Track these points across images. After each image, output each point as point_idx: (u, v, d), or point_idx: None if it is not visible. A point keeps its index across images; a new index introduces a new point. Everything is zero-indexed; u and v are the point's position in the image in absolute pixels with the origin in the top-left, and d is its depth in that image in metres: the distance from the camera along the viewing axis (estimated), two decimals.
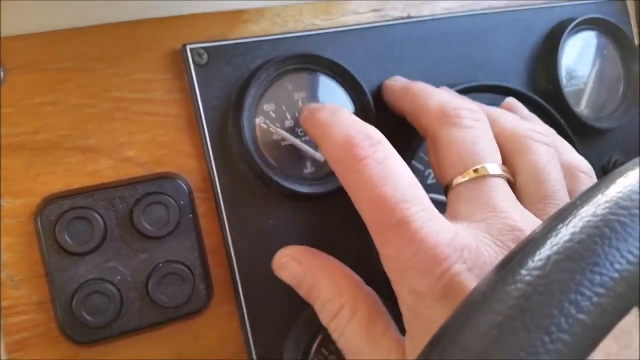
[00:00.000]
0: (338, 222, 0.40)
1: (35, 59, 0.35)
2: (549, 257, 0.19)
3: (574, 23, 0.46)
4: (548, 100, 0.45)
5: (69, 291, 0.33)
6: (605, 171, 0.48)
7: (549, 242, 0.19)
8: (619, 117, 0.49)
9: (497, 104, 0.44)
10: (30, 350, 0.34)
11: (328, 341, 0.38)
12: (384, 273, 0.40)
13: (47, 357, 0.35)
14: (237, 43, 0.38)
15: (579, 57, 0.48)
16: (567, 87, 0.47)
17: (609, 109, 0.49)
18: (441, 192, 0.41)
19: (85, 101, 0.36)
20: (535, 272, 0.19)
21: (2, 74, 0.34)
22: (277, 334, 0.38)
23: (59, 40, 0.35)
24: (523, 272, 0.19)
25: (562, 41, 0.45)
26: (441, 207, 0.41)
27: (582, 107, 0.48)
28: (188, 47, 0.36)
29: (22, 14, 0.34)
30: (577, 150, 0.44)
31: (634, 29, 0.51)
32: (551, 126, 0.44)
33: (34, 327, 0.35)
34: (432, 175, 0.42)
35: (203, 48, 0.37)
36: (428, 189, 0.41)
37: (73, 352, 0.35)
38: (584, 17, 0.47)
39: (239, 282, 0.37)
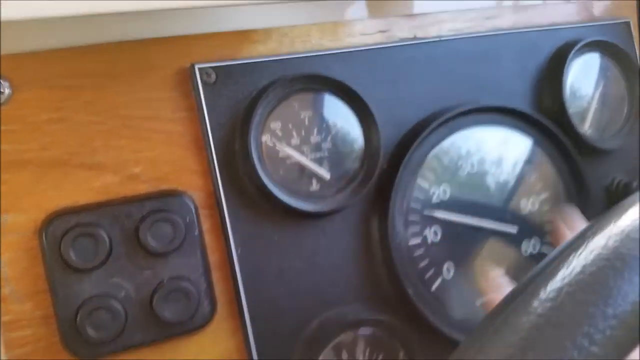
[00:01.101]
0: (344, 240, 0.40)
1: (43, 76, 0.35)
2: (561, 289, 0.19)
3: (579, 45, 0.46)
4: (553, 120, 0.45)
5: (73, 306, 0.34)
6: (609, 192, 0.48)
7: (560, 273, 0.19)
8: (622, 138, 0.49)
9: (502, 123, 0.44)
10: None
11: (332, 357, 0.38)
12: (388, 291, 0.40)
13: None
14: (245, 63, 0.38)
15: (584, 79, 0.49)
16: (572, 107, 0.47)
17: (612, 129, 0.49)
18: (448, 209, 0.41)
19: (92, 118, 0.36)
20: (548, 304, 0.19)
21: (10, 90, 0.35)
22: (281, 350, 0.38)
23: (67, 57, 0.36)
24: (535, 303, 0.19)
25: (567, 62, 0.45)
26: (447, 225, 0.41)
27: (586, 128, 0.48)
28: (197, 66, 0.37)
29: (29, 31, 0.34)
30: (581, 170, 0.44)
31: (638, 52, 0.52)
32: (555, 147, 0.45)
33: (36, 341, 0.35)
34: (436, 194, 0.42)
35: (211, 67, 0.37)
36: (433, 206, 0.41)
37: None
38: (588, 40, 0.47)
39: (243, 298, 0.37)
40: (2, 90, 0.35)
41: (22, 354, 0.34)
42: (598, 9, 0.52)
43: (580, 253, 0.19)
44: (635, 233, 0.19)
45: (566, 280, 0.19)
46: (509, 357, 0.18)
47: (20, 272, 0.34)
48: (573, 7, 0.51)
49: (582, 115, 0.48)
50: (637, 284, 0.18)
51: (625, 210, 0.20)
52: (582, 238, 0.20)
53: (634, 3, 0.52)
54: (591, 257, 0.19)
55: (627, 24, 0.52)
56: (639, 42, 0.52)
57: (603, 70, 0.50)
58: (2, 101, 0.35)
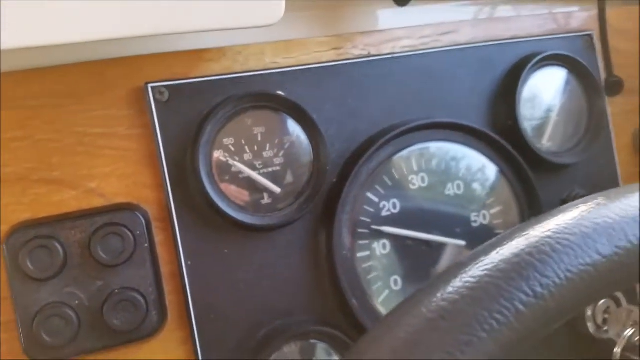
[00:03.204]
0: (292, 253, 0.42)
1: (6, 96, 0.37)
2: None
3: (536, 59, 0.47)
4: (508, 136, 0.46)
5: (31, 313, 0.36)
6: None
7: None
8: (581, 152, 0.50)
9: (453, 138, 0.45)
10: None
11: None
12: (331, 302, 0.42)
13: None
14: (198, 81, 0.40)
15: (543, 92, 0.50)
16: (530, 122, 0.48)
17: (571, 143, 0.50)
18: (398, 223, 0.43)
19: (50, 136, 0.38)
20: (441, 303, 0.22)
21: None
22: (229, 359, 0.40)
23: (29, 78, 0.38)
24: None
25: (522, 77, 0.46)
26: (396, 238, 0.43)
27: (545, 142, 0.49)
28: (150, 85, 0.39)
29: None
30: (533, 185, 0.45)
31: (600, 65, 0.52)
32: (507, 163, 0.46)
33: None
34: (387, 208, 0.43)
35: (164, 86, 0.39)
36: (381, 220, 0.43)
37: None
38: (547, 54, 0.48)
39: (192, 309, 0.39)
40: None
41: None
42: (561, 21, 0.52)
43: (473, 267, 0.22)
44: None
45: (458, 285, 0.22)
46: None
47: None
48: (536, 20, 0.51)
49: (541, 129, 0.49)
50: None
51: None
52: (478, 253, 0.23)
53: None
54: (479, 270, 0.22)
55: (590, 36, 0.52)
56: (602, 55, 0.52)
57: (563, 84, 0.50)
58: None
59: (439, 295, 0.23)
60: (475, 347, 0.21)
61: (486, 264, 0.23)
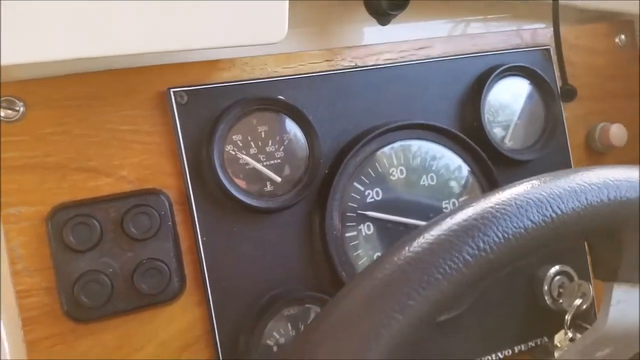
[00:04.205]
0: (291, 232, 0.49)
1: (49, 97, 0.45)
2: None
3: (499, 70, 0.55)
4: (474, 135, 0.54)
5: (71, 280, 0.43)
6: None
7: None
8: (539, 150, 0.58)
9: (427, 137, 0.53)
10: (39, 324, 0.44)
11: (278, 330, 0.48)
12: (323, 274, 0.49)
13: (51, 331, 0.44)
14: (212, 87, 0.47)
15: (506, 98, 0.57)
16: (494, 123, 0.56)
17: (531, 142, 0.58)
18: (380, 208, 0.50)
19: (86, 132, 0.45)
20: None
21: (24, 109, 0.44)
22: (237, 319, 0.47)
23: (67, 83, 0.45)
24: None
25: (487, 85, 0.54)
26: (378, 221, 0.50)
27: (507, 141, 0.57)
28: (172, 90, 0.46)
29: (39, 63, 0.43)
30: (494, 177, 0.53)
31: (557, 75, 0.60)
32: (472, 158, 0.54)
33: (42, 307, 0.44)
34: (370, 195, 0.51)
35: (184, 91, 0.46)
36: (367, 206, 0.51)
37: (71, 328, 0.44)
38: (508, 65, 0.56)
39: (206, 277, 0.46)
40: (17, 109, 0.44)
41: (31, 316, 0.44)
42: (523, 37, 0.60)
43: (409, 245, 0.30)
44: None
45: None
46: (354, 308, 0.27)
47: (30, 252, 0.44)
48: (501, 36, 0.59)
49: (504, 129, 0.57)
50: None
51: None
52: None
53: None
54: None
55: (548, 50, 0.60)
56: (558, 65, 0.60)
57: (523, 91, 0.58)
58: (17, 117, 0.44)
59: (406, 248, 0.30)
60: (432, 285, 0.29)
61: (442, 227, 0.31)
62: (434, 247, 0.30)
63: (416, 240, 0.31)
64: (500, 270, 0.31)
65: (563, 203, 0.33)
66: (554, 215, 0.32)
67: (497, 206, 0.32)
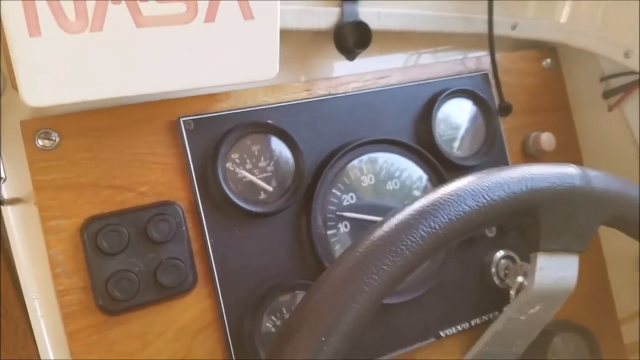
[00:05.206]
0: (283, 232, 0.59)
1: (79, 129, 0.54)
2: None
3: (445, 93, 0.67)
4: (428, 147, 0.65)
5: (105, 278, 0.52)
6: None
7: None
8: (482, 156, 0.69)
9: (390, 151, 0.64)
10: (77, 318, 0.53)
11: (275, 313, 0.57)
12: (311, 266, 0.59)
13: (87, 323, 0.53)
14: (214, 115, 0.57)
15: (454, 116, 0.69)
16: (444, 136, 0.68)
17: (474, 150, 0.70)
18: (354, 210, 0.61)
19: (112, 156, 0.55)
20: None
21: (59, 138, 0.53)
22: (241, 306, 0.57)
23: (94, 116, 0.54)
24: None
25: (436, 106, 0.66)
26: (354, 221, 0.60)
27: (456, 150, 0.69)
28: (181, 119, 0.56)
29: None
30: (445, 180, 0.64)
31: (495, 95, 0.73)
32: (428, 166, 0.65)
33: (79, 303, 0.53)
34: (346, 199, 0.62)
35: (191, 120, 0.56)
36: (344, 208, 0.61)
37: (103, 320, 0.53)
38: (453, 89, 0.68)
39: (215, 271, 0.56)
40: (53, 139, 0.53)
41: (70, 311, 0.52)
42: (466, 65, 0.73)
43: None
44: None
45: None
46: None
47: (67, 257, 0.53)
48: (446, 65, 0.71)
49: (452, 141, 0.69)
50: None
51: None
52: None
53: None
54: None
55: (486, 74, 0.72)
56: (495, 87, 0.72)
57: (467, 109, 0.70)
58: (54, 146, 0.53)
59: (378, 230, 0.41)
60: (399, 254, 0.39)
61: (403, 213, 0.41)
62: (399, 227, 0.41)
63: (385, 224, 0.41)
64: (448, 244, 0.42)
65: (492, 192, 0.43)
66: (485, 201, 0.43)
67: (443, 196, 0.43)
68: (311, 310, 0.37)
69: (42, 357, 0.53)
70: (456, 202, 0.42)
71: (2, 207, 0.53)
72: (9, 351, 0.61)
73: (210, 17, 0.48)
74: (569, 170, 0.45)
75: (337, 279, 0.39)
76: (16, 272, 0.55)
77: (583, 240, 0.46)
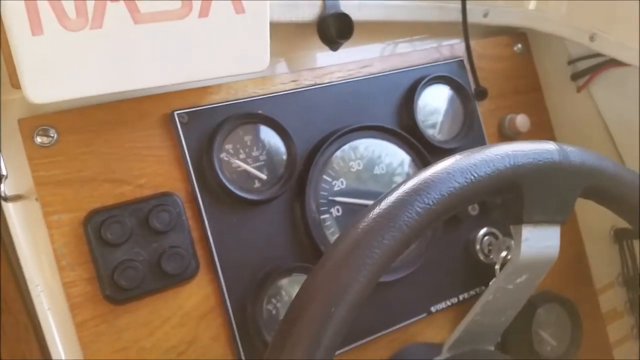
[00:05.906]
0: (278, 218, 0.62)
1: (76, 125, 0.55)
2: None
3: (424, 80, 0.70)
4: (410, 131, 0.69)
5: (111, 268, 0.54)
6: None
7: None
8: (461, 139, 0.73)
9: (376, 135, 0.67)
10: (84, 308, 0.54)
11: (275, 296, 0.60)
12: (306, 249, 0.62)
13: (94, 313, 0.54)
14: (206, 108, 0.59)
15: (433, 101, 0.73)
16: (425, 121, 0.71)
17: (454, 133, 0.74)
18: (345, 195, 0.63)
19: (110, 150, 0.56)
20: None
21: (57, 135, 0.55)
22: (242, 290, 0.59)
23: (91, 112, 0.56)
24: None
25: (417, 92, 0.69)
26: (345, 205, 0.63)
27: (436, 134, 0.72)
28: (176, 112, 0.58)
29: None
30: (429, 162, 0.67)
31: (470, 80, 0.76)
32: (411, 149, 0.68)
33: (85, 294, 0.54)
34: (337, 184, 0.64)
35: (185, 112, 0.58)
36: (335, 194, 0.64)
37: (110, 309, 0.55)
38: (431, 76, 0.71)
39: (216, 258, 0.58)
40: (51, 136, 0.55)
41: (76, 302, 0.54)
42: (442, 52, 0.76)
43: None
44: None
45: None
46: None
47: (71, 250, 0.54)
48: (424, 53, 0.75)
49: (433, 125, 0.72)
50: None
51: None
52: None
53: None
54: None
55: (462, 61, 0.76)
56: (471, 74, 0.76)
57: (446, 95, 0.74)
58: (52, 142, 0.55)
59: (377, 207, 0.43)
60: (398, 229, 0.42)
61: (399, 191, 0.44)
62: (396, 204, 0.43)
63: (384, 201, 0.44)
64: (441, 218, 0.45)
65: (478, 169, 0.47)
66: (472, 178, 0.46)
67: (434, 175, 0.45)
68: (322, 283, 0.40)
69: (50, 349, 0.55)
70: (447, 180, 0.45)
71: (3, 204, 0.54)
72: (10, 345, 0.62)
73: (204, 12, 0.50)
74: (548, 147, 0.48)
75: (342, 255, 0.41)
76: (16, 267, 0.56)
77: (564, 211, 0.49)
